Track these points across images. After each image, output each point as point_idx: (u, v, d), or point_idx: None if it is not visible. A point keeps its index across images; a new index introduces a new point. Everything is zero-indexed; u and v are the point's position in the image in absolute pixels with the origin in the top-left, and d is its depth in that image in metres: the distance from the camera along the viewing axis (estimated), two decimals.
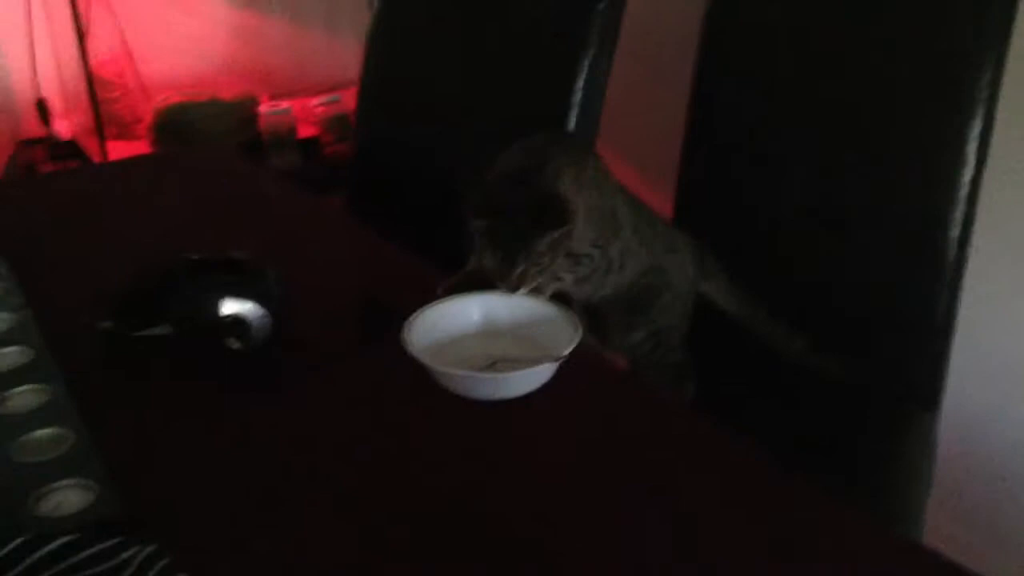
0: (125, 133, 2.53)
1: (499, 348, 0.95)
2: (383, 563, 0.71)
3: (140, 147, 2.47)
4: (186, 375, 0.96)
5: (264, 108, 2.50)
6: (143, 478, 0.80)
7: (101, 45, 2.43)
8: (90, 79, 2.22)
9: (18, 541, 0.69)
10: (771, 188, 1.30)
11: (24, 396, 0.89)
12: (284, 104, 2.51)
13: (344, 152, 2.38)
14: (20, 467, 0.79)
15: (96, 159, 2.31)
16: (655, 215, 1.17)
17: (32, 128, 2.52)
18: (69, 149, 2.47)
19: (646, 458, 0.82)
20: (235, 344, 0.95)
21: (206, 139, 2.37)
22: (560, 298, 1.02)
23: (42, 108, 2.48)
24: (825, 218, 1.24)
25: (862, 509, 0.75)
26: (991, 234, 1.20)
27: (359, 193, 1.78)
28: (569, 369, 0.90)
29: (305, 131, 2.56)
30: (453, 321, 0.98)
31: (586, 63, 1.40)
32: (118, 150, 2.37)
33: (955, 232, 1.14)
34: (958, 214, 1.13)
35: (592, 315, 1.13)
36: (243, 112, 2.50)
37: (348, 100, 2.43)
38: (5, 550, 0.68)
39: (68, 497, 0.75)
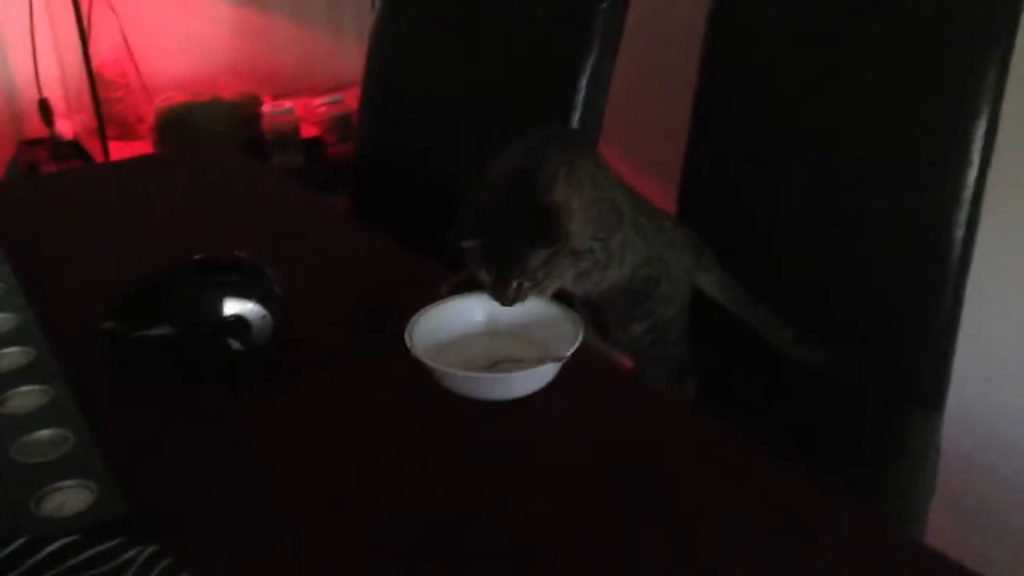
0: (127, 133, 2.53)
1: (501, 348, 0.95)
2: (383, 563, 0.70)
3: (143, 147, 2.47)
4: (187, 375, 0.96)
5: (267, 108, 2.50)
6: (144, 478, 0.80)
7: (103, 45, 2.43)
8: (92, 79, 2.21)
9: (19, 542, 0.69)
10: (776, 188, 1.30)
11: (25, 397, 0.89)
12: (287, 104, 2.51)
13: (347, 152, 2.37)
14: (21, 468, 0.79)
15: (98, 159, 2.30)
16: (654, 208, 1.17)
17: (34, 128, 2.52)
18: (71, 149, 2.47)
19: (647, 459, 0.82)
20: (236, 344, 0.95)
21: (209, 139, 2.36)
22: (561, 296, 1.02)
23: (44, 108, 2.48)
24: (830, 218, 1.24)
25: (864, 509, 0.75)
26: (995, 235, 1.20)
27: (362, 193, 1.78)
28: (571, 370, 0.90)
29: (308, 131, 2.56)
30: (455, 321, 0.98)
31: (589, 63, 1.40)
32: (120, 150, 2.37)
33: (960, 233, 1.14)
34: (963, 215, 1.13)
35: (593, 310, 1.13)
36: (246, 112, 2.50)
37: (351, 100, 2.43)
38: (6, 551, 0.68)
39: (69, 498, 0.75)
